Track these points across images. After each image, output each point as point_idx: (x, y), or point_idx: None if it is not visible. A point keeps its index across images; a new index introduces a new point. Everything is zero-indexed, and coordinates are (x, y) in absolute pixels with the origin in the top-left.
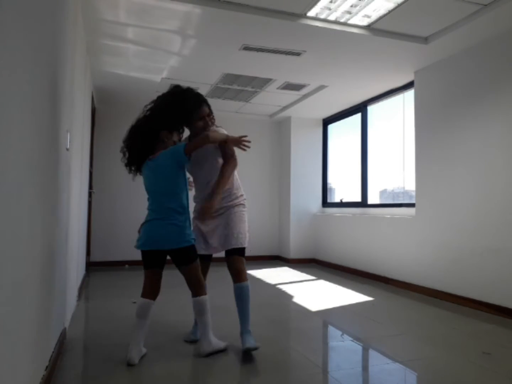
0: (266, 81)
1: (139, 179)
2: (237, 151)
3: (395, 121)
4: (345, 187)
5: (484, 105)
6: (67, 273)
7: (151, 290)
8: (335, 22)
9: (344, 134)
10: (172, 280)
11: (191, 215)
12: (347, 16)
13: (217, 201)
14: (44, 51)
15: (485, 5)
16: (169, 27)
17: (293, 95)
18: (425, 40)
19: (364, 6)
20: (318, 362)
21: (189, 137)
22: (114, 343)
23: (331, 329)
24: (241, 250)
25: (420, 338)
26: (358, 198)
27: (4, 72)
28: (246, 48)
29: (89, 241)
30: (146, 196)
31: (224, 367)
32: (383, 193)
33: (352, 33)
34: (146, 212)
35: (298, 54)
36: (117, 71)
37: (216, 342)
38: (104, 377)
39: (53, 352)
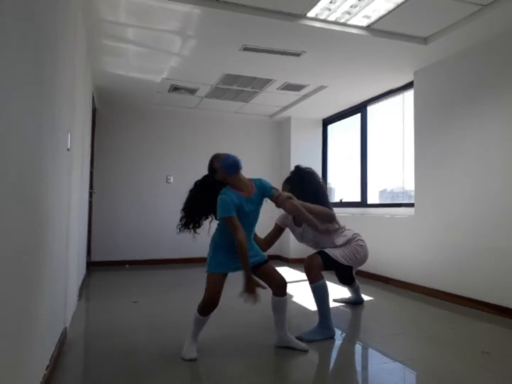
0: (266, 82)
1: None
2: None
3: (395, 122)
4: (344, 187)
5: (484, 106)
6: (67, 273)
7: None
8: (335, 22)
9: (344, 134)
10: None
11: None
12: (347, 16)
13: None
14: (44, 51)
15: (485, 5)
16: (169, 27)
17: (293, 95)
18: (425, 40)
19: (364, 7)
20: (318, 362)
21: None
22: (114, 343)
23: None
24: None
25: (420, 338)
26: (357, 198)
27: (4, 72)
28: (246, 49)
29: (89, 241)
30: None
31: (223, 367)
32: (382, 193)
33: (352, 33)
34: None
35: (298, 54)
36: (117, 71)
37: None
38: (104, 377)
39: (53, 351)
